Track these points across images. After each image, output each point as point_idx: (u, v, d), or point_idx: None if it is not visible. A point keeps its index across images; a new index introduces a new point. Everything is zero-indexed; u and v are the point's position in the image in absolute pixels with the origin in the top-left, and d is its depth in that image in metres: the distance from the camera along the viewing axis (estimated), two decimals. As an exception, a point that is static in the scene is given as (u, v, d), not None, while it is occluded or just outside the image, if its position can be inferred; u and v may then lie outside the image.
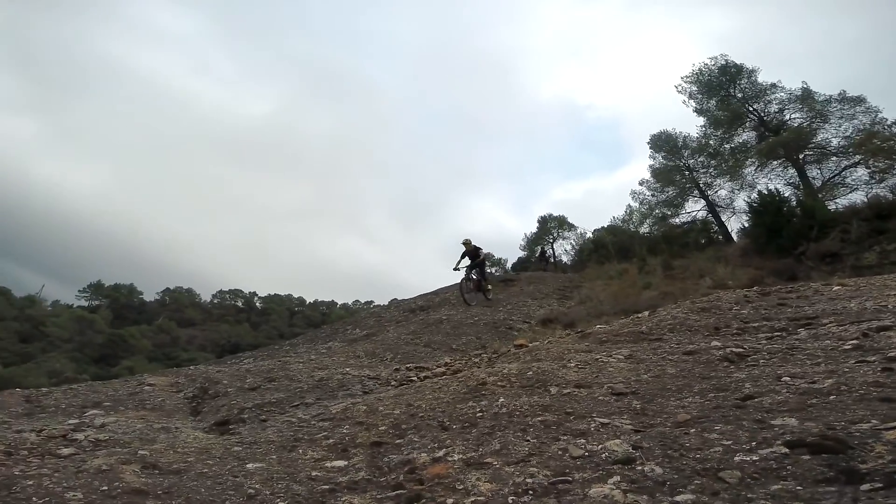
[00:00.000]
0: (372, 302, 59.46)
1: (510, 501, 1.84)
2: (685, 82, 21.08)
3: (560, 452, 2.15)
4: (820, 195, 16.34)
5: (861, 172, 16.51)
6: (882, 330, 3.69)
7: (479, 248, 14.51)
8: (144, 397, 6.59)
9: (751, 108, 19.83)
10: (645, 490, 1.69)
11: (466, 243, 14.24)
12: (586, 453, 2.09)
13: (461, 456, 2.38)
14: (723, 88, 20.13)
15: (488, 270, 17.41)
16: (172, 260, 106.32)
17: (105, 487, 2.41)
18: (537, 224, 28.48)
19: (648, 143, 22.52)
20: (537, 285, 18.09)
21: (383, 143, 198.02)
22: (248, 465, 2.82)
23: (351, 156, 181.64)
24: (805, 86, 18.67)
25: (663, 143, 21.81)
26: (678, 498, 1.63)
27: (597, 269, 18.98)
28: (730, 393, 2.59)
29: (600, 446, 2.11)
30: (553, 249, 27.65)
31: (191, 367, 10.35)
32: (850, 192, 16.48)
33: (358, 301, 68.83)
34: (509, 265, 28.63)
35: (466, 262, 14.22)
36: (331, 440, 3.12)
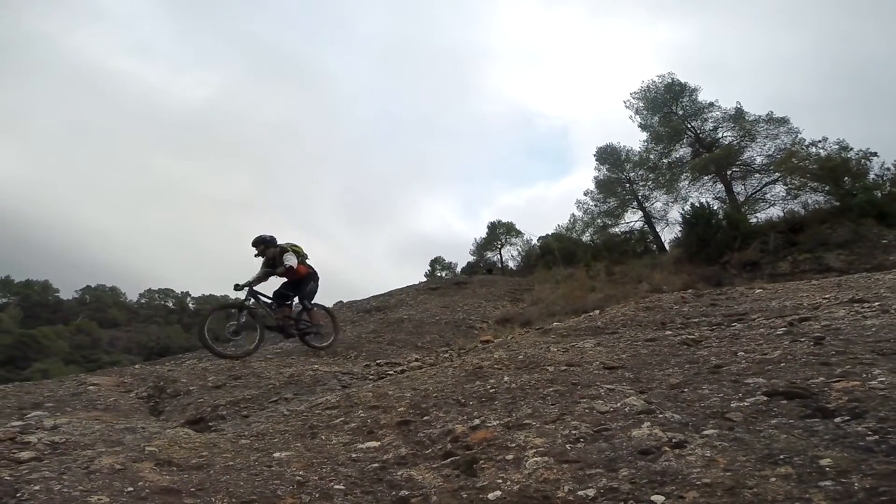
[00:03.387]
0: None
1: (567, 448, 2.15)
2: (633, 98, 22.80)
3: (588, 410, 2.51)
4: (743, 209, 18.27)
5: (779, 189, 18.65)
6: (803, 320, 4.45)
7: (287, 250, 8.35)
8: (92, 398, 6.31)
9: (689, 126, 21.76)
10: (675, 429, 2.12)
11: (257, 243, 8.38)
12: (611, 409, 2.48)
13: (498, 422, 2.61)
14: (666, 106, 21.93)
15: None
16: (95, 255, 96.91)
17: (130, 488, 2.28)
18: (487, 229, 29.26)
19: (595, 155, 24.03)
20: (489, 288, 18.71)
21: (332, 135, 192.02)
22: (275, 455, 2.77)
23: (297, 146, 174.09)
24: (738, 105, 20.87)
25: (608, 155, 23.38)
26: (705, 432, 2.09)
27: (544, 273, 19.92)
28: (701, 364, 3.12)
29: (620, 403, 2.52)
30: (501, 255, 28.53)
31: (136, 367, 9.86)
32: (769, 207, 18.55)
33: (300, 303, 66.53)
34: (459, 269, 29.13)
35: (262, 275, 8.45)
36: (352, 425, 3.19)
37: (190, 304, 68.99)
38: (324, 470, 2.50)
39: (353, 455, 2.68)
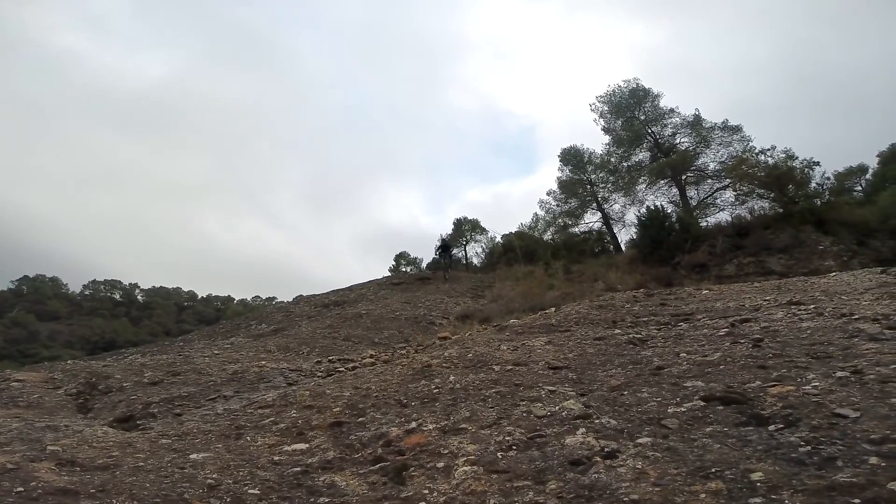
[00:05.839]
0: (275, 298, 56.22)
1: (499, 456, 2.05)
2: (599, 101, 23.18)
3: (525, 414, 2.43)
4: (695, 213, 18.95)
5: (729, 195, 19.26)
6: (744, 322, 4.56)
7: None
8: (14, 394, 5.95)
9: (649, 131, 22.36)
10: (610, 437, 2.05)
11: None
12: (549, 413, 2.40)
13: (435, 426, 2.51)
14: (629, 110, 22.43)
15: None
16: (34, 243, 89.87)
17: (20, 489, 2.12)
18: (453, 226, 29.18)
19: (559, 156, 24.32)
20: (452, 284, 18.70)
21: (296, 121, 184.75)
22: (191, 456, 2.63)
23: (258, 131, 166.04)
24: (697, 112, 21.61)
25: (572, 157, 23.69)
26: (639, 440, 2.02)
27: (506, 270, 20.05)
28: (644, 365, 3.10)
29: (558, 407, 2.44)
30: (466, 251, 28.53)
31: (68, 362, 9.21)
32: (719, 212, 19.24)
33: (259, 297, 64.56)
34: (424, 264, 28.91)
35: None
36: (281, 425, 3.03)
37: (139, 297, 65.70)
38: (240, 473, 2.35)
39: (276, 458, 2.53)
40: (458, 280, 19.57)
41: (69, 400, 6.19)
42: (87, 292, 63.24)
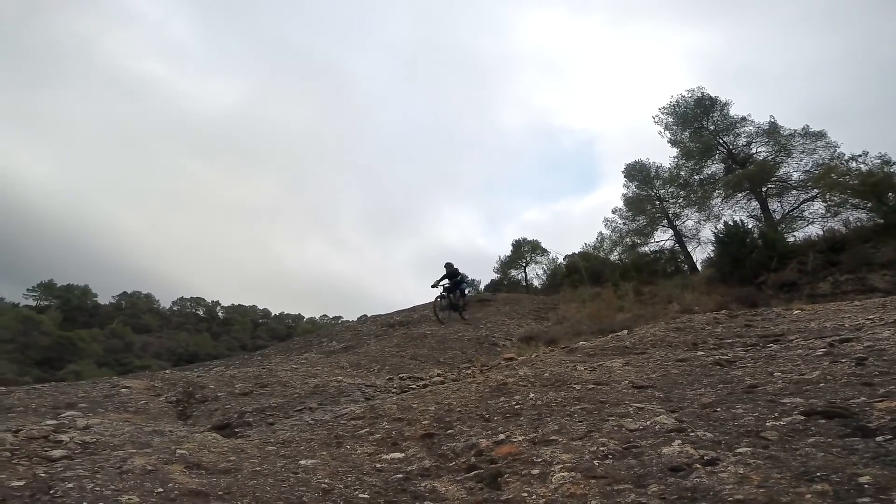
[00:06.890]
0: (341, 317, 58.63)
1: (595, 464, 2.11)
2: (662, 113, 22.18)
3: (616, 428, 2.47)
4: (780, 227, 17.52)
5: (818, 206, 17.57)
6: (845, 341, 4.25)
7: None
8: (123, 400, 6.48)
9: (721, 141, 21.09)
10: (707, 447, 2.07)
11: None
12: (641, 427, 2.43)
13: (523, 437, 2.59)
14: (697, 121, 21.28)
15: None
16: (132, 261, 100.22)
17: (160, 489, 2.31)
18: (511, 247, 29.11)
19: (623, 172, 23.50)
20: (513, 306, 18.57)
21: (356, 142, 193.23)
22: (301, 462, 2.81)
23: (322, 153, 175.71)
24: (772, 119, 20.04)
25: (637, 172, 22.89)
26: (739, 450, 2.02)
27: (571, 292, 19.60)
28: (735, 384, 3.02)
29: (650, 421, 2.46)
30: (525, 273, 28.26)
31: (166, 372, 10.15)
32: (808, 226, 17.48)
33: (326, 315, 67.58)
34: (482, 286, 28.95)
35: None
36: (377, 436, 3.22)
37: (220, 314, 70.89)
38: (349, 479, 2.53)
39: (378, 465, 2.70)
40: (519, 302, 19.39)
41: (170, 407, 6.68)
42: (175, 308, 69.27)
